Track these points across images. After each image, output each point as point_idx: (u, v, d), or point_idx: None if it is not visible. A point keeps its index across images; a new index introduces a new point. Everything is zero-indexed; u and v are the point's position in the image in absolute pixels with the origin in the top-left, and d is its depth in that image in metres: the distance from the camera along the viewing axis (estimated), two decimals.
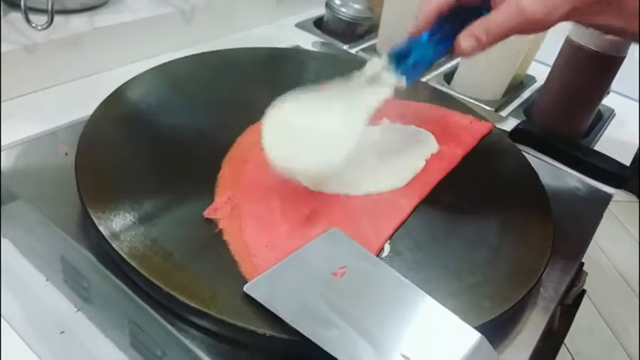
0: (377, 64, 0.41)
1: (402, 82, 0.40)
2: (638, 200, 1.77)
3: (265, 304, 0.30)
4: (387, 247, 0.37)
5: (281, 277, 0.32)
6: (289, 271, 0.32)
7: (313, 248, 0.34)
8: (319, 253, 0.33)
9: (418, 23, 0.39)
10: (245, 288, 0.31)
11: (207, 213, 0.37)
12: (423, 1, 0.39)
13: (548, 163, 0.56)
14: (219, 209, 0.37)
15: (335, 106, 0.40)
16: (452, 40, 0.38)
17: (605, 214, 0.50)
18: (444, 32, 0.39)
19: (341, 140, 0.37)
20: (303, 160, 0.38)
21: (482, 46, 0.37)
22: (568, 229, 0.44)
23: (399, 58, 0.40)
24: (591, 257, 1.50)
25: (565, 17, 0.36)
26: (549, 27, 0.37)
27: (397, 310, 0.31)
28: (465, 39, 0.37)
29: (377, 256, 0.36)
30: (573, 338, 1.30)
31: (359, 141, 0.38)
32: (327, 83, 0.42)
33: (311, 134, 0.39)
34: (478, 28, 0.37)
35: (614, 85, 0.64)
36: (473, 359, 0.29)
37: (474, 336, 0.30)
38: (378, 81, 0.41)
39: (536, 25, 0.36)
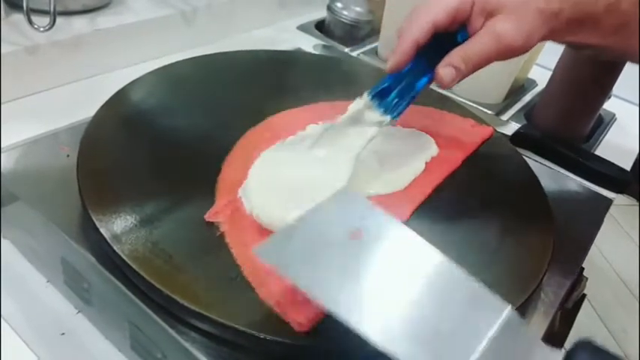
0: (358, 104, 0.40)
1: (386, 119, 0.40)
2: (638, 204, 1.78)
3: (278, 269, 0.28)
4: None
5: (292, 240, 0.29)
6: (301, 232, 0.29)
7: (326, 208, 0.31)
8: (332, 212, 0.31)
9: (396, 58, 0.38)
10: (254, 251, 0.28)
11: (208, 216, 0.37)
12: (400, 35, 0.38)
13: (549, 167, 0.56)
14: (219, 212, 0.37)
15: (319, 154, 0.40)
16: (432, 70, 0.38)
17: (605, 218, 0.50)
18: (423, 64, 0.39)
19: (329, 188, 0.34)
20: (292, 215, 0.34)
21: (461, 75, 0.37)
22: (568, 233, 0.44)
23: (381, 95, 0.40)
24: (591, 261, 1.50)
25: (542, 39, 0.36)
26: (527, 51, 0.37)
27: (420, 278, 0.28)
28: (444, 69, 0.37)
29: None
30: (573, 341, 1.29)
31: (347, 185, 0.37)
32: (305, 129, 0.43)
33: (298, 186, 0.38)
34: (457, 57, 0.37)
35: (616, 89, 0.64)
36: (503, 332, 0.26)
37: (504, 308, 0.27)
38: (362, 120, 0.40)
39: (515, 51, 0.36)
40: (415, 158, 0.46)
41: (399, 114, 0.40)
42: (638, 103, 0.77)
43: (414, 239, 0.30)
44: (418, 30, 0.37)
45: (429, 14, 0.38)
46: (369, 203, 0.32)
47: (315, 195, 0.32)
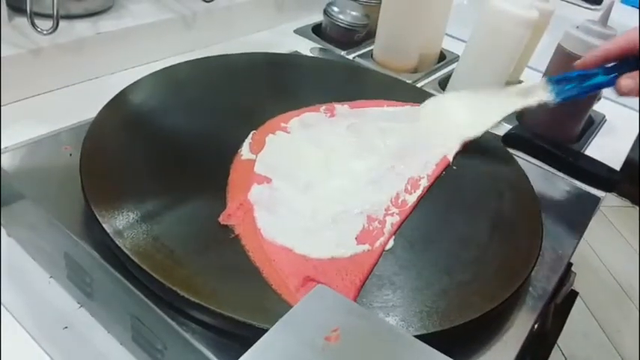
0: (535, 82, 0.50)
1: (551, 98, 0.48)
2: (630, 205, 1.79)
3: None
4: (391, 242, 0.39)
5: (271, 351, 0.28)
6: (279, 342, 0.29)
7: (302, 311, 0.31)
8: (308, 315, 0.30)
9: (585, 59, 0.46)
10: None
11: (222, 219, 0.37)
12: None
13: (538, 166, 0.58)
14: (232, 215, 0.38)
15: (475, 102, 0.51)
16: (607, 81, 0.45)
17: (598, 219, 0.51)
18: (608, 72, 0.46)
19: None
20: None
21: (637, 91, 0.42)
22: (557, 229, 0.45)
23: (558, 82, 0.49)
24: (585, 261, 1.52)
25: None
26: None
27: None
28: (625, 80, 0.42)
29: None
30: (567, 341, 1.31)
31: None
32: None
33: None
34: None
35: (605, 91, 0.65)
36: None
37: None
38: (529, 94, 0.49)
39: None
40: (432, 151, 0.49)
41: (562, 99, 0.48)
42: (627, 105, 0.79)
43: (386, 328, 0.30)
44: (613, 44, 0.45)
45: (627, 36, 0.44)
46: (342, 298, 0.32)
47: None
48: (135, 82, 0.50)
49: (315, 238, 0.37)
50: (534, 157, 0.59)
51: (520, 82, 0.76)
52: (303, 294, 0.32)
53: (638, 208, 1.79)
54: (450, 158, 0.48)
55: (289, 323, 0.30)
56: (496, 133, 0.55)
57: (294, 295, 0.33)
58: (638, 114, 0.78)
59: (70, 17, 0.57)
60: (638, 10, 1.15)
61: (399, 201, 0.42)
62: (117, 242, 0.34)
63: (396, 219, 0.40)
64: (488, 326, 0.37)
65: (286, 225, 0.38)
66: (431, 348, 0.29)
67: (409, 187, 0.44)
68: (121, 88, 0.48)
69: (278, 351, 0.28)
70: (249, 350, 0.28)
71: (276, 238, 0.36)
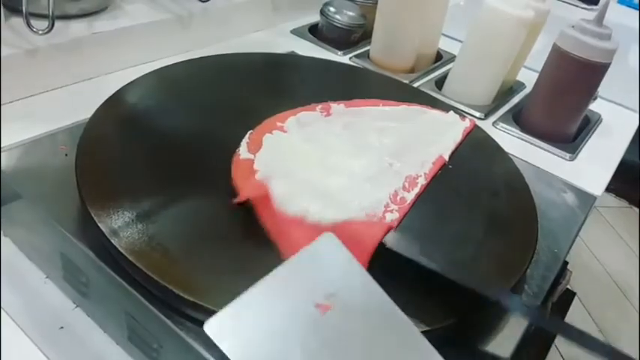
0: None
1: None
2: (627, 205, 1.80)
3: (226, 352, 0.24)
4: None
5: (252, 312, 0.25)
6: (264, 301, 0.26)
7: (302, 261, 0.27)
8: (305, 271, 0.27)
9: None
10: (205, 326, 0.25)
11: (239, 199, 0.38)
12: None
13: (534, 165, 0.58)
14: (245, 196, 0.38)
15: None
16: None
17: (596, 220, 0.51)
18: None
19: None
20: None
21: None
22: (552, 228, 0.45)
23: None
24: (582, 261, 1.52)
25: None
26: None
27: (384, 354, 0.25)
28: None
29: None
30: (567, 343, 1.31)
31: None
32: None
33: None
34: None
35: (602, 91, 0.66)
36: None
37: None
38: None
39: None
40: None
41: None
42: (623, 104, 0.79)
43: (384, 303, 0.27)
44: None
45: None
46: (347, 254, 0.28)
47: None
48: (131, 83, 0.50)
49: (327, 203, 0.38)
50: None
51: (517, 81, 0.76)
52: None
53: (634, 208, 1.79)
54: (446, 157, 0.48)
55: (282, 276, 0.26)
56: (493, 135, 0.55)
57: None
58: (633, 114, 0.78)
59: (65, 17, 0.57)
60: (633, 9, 1.16)
61: (398, 198, 0.42)
62: (112, 241, 0.34)
63: (395, 216, 0.40)
64: (484, 325, 0.37)
65: (297, 195, 0.39)
66: (428, 344, 0.27)
67: (407, 185, 0.44)
68: (117, 89, 0.48)
69: (259, 311, 0.25)
70: (230, 304, 0.25)
71: (288, 209, 0.37)
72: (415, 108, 0.55)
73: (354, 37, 0.78)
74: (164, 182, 0.41)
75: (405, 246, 0.37)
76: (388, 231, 0.38)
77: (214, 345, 0.31)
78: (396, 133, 0.50)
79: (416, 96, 0.57)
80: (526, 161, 0.58)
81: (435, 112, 0.55)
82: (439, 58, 0.79)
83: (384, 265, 0.37)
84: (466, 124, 0.54)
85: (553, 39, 0.62)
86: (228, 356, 0.24)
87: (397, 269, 0.37)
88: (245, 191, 0.39)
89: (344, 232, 0.34)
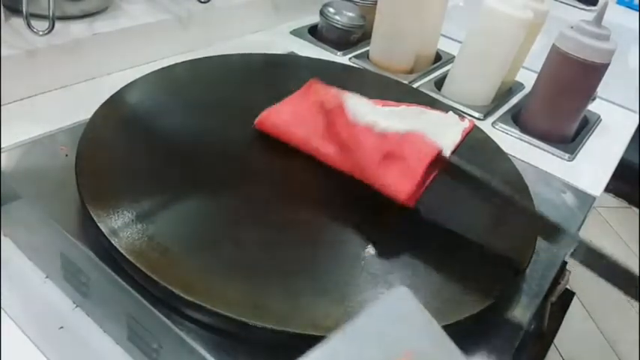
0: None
1: None
2: (627, 205, 1.80)
3: None
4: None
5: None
6: (342, 353, 0.25)
7: (375, 317, 0.26)
8: (379, 327, 0.26)
9: None
10: None
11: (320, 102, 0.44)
12: None
13: (533, 165, 0.58)
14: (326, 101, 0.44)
15: None
16: None
17: (595, 219, 0.52)
18: None
19: None
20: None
21: None
22: (551, 228, 0.45)
23: None
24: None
25: None
26: None
27: None
28: None
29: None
30: (566, 343, 1.31)
31: None
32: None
33: None
34: None
35: (601, 91, 0.66)
36: None
37: None
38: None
39: None
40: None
41: None
42: (622, 104, 0.79)
43: None
44: None
45: None
46: (422, 311, 0.27)
47: None
48: (130, 83, 0.50)
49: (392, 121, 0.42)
50: None
51: (516, 82, 0.76)
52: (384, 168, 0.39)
53: (634, 208, 1.79)
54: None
55: (357, 331, 0.25)
56: (492, 136, 0.55)
57: (376, 170, 0.39)
58: (632, 114, 0.78)
59: (66, 18, 0.57)
60: (632, 10, 1.16)
61: None
62: (112, 241, 0.34)
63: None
64: (483, 324, 0.37)
65: (368, 112, 0.43)
66: None
67: None
68: (117, 89, 0.48)
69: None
70: (313, 355, 0.24)
71: (360, 119, 0.42)
72: (415, 108, 0.55)
73: (354, 37, 0.78)
74: (164, 182, 0.41)
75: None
76: (441, 152, 0.41)
77: (213, 345, 0.32)
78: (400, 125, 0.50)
79: (415, 96, 0.57)
80: (525, 161, 0.58)
81: (435, 113, 0.55)
82: (438, 58, 0.79)
83: (384, 265, 0.37)
84: (465, 124, 0.54)
85: (552, 39, 0.62)
86: None
87: (396, 271, 0.37)
88: (327, 100, 0.44)
89: (407, 140, 0.40)
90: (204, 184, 0.41)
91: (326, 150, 0.45)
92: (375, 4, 0.72)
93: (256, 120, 0.47)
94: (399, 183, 0.39)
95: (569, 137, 0.66)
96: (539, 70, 0.64)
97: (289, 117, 0.47)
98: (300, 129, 0.46)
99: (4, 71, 0.50)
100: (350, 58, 0.75)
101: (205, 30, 0.69)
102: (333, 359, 0.24)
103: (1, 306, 0.38)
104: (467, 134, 0.52)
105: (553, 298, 0.47)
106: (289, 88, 0.57)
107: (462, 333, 0.35)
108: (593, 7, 1.13)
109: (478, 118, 0.67)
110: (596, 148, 0.66)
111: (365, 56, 0.75)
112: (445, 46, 0.80)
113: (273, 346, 0.33)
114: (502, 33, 0.64)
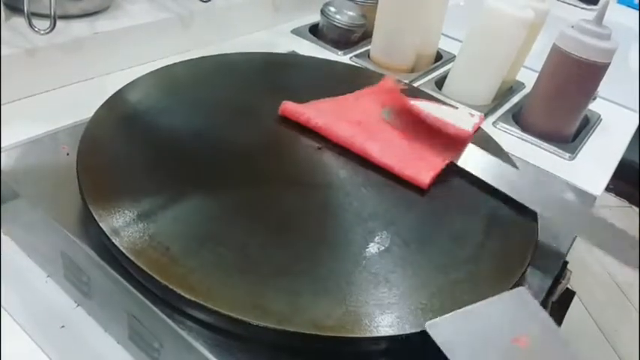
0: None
1: None
2: (627, 205, 1.80)
3: (442, 347, 0.30)
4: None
5: (462, 326, 0.31)
6: (471, 322, 0.31)
7: (498, 305, 0.33)
8: (503, 312, 0.32)
9: None
10: (426, 325, 0.31)
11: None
12: None
13: (534, 165, 0.58)
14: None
15: None
16: None
17: (596, 220, 0.51)
18: None
19: None
20: None
21: None
22: (552, 227, 0.45)
23: None
24: (582, 261, 1.52)
25: None
26: None
27: None
28: None
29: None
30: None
31: None
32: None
33: None
34: None
35: (601, 90, 0.66)
36: None
37: None
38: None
39: None
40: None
41: None
42: (622, 104, 0.79)
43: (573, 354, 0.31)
44: None
45: None
46: (539, 308, 0.33)
47: None
48: (132, 82, 0.50)
49: None
50: None
51: (516, 81, 0.76)
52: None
53: (634, 208, 1.79)
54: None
55: (483, 310, 0.32)
56: (493, 135, 0.55)
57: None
58: (633, 113, 0.78)
59: (67, 17, 0.57)
60: (632, 9, 1.16)
61: None
62: (114, 241, 0.34)
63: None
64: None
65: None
66: None
67: None
68: (118, 88, 0.48)
69: (466, 330, 0.30)
70: (440, 317, 0.31)
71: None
72: (424, 103, 0.55)
73: (355, 36, 0.78)
74: (165, 181, 0.41)
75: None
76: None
77: (214, 345, 0.32)
78: None
79: (416, 96, 0.57)
80: (526, 161, 0.58)
81: (446, 108, 0.56)
82: (439, 58, 0.79)
83: (385, 265, 0.37)
84: (476, 119, 0.54)
85: (553, 39, 0.62)
86: (442, 349, 0.30)
87: (397, 271, 0.37)
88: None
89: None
90: (205, 183, 0.41)
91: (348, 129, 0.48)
92: (376, 3, 0.72)
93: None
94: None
95: (569, 136, 0.66)
96: (539, 70, 0.64)
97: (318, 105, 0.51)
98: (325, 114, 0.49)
99: (5, 70, 0.50)
100: (351, 58, 0.75)
101: (206, 29, 0.69)
102: (465, 321, 0.31)
103: (2, 305, 0.38)
104: (477, 129, 0.53)
105: (554, 298, 0.47)
106: (289, 88, 0.57)
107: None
108: (593, 7, 1.13)
109: None
110: (596, 148, 0.66)
111: (366, 55, 0.75)
112: (446, 45, 0.80)
113: (273, 346, 0.33)
114: (503, 32, 0.64)
